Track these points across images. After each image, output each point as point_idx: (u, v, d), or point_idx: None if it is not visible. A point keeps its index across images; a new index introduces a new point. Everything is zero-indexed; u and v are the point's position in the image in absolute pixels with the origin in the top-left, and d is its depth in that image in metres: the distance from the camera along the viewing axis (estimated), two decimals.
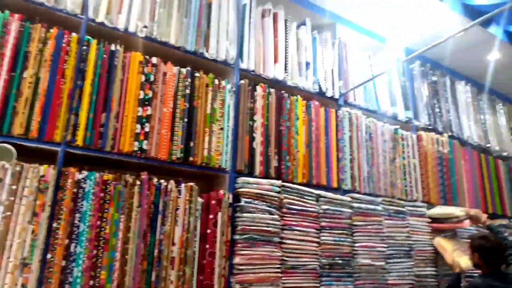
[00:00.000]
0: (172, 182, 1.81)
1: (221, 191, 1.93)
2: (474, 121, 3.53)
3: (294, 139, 2.33)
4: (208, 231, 1.85)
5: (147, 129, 1.83)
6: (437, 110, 3.23)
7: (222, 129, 2.06)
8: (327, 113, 2.55)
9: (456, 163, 3.19)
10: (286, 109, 2.35)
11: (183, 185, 1.83)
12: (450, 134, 3.24)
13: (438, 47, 3.08)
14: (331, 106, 2.60)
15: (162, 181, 1.80)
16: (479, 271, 2.18)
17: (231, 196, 1.97)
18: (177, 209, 1.79)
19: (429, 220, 2.76)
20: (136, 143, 1.79)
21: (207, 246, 1.83)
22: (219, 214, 1.89)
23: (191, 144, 1.93)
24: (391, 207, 2.60)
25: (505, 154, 3.71)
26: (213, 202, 1.89)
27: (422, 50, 2.13)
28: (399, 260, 2.51)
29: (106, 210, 1.63)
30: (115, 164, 1.84)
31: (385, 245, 2.47)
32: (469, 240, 2.33)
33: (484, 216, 2.72)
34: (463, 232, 2.84)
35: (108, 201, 1.64)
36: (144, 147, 1.80)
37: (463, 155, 3.29)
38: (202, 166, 1.95)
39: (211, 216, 1.87)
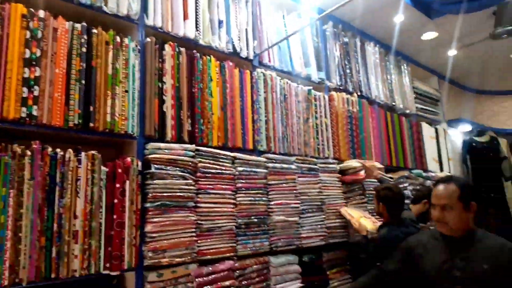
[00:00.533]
0: (70, 151, 1.65)
1: (128, 159, 1.82)
2: (381, 81, 3.75)
3: (208, 102, 2.26)
4: (115, 201, 1.75)
5: (36, 93, 1.62)
6: (348, 71, 3.35)
7: (126, 91, 1.91)
8: (242, 74, 2.50)
9: (364, 121, 3.38)
10: (199, 69, 2.25)
11: (83, 153, 1.68)
12: (359, 94, 3.40)
13: (350, 9, 3.16)
14: (246, 67, 2.55)
15: (58, 150, 1.63)
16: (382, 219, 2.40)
17: (140, 163, 1.87)
18: (77, 179, 1.65)
19: (340, 175, 2.93)
20: (24, 109, 1.58)
21: (115, 216, 1.74)
22: (127, 182, 1.79)
23: (91, 108, 1.76)
24: (304, 165, 2.70)
25: (408, 111, 4.03)
26: (120, 170, 1.78)
27: (332, 9, 2.13)
28: (311, 214, 2.64)
29: None
30: None
31: (299, 201, 2.57)
32: (374, 192, 2.55)
33: (376, 170, 2.96)
34: (369, 184, 3.06)
35: None
36: (34, 113, 1.60)
37: (371, 113, 3.50)
38: (106, 132, 1.80)
39: (117, 185, 1.76)
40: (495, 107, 6.07)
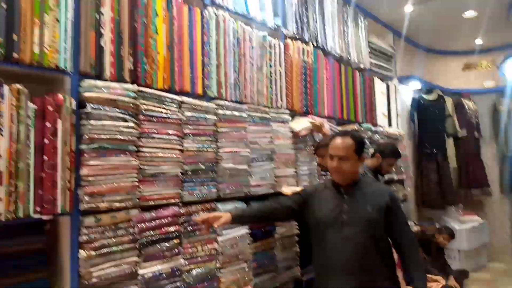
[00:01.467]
0: None
1: (60, 95, 1.65)
2: (338, 33, 3.68)
3: (153, 39, 2.09)
4: (46, 141, 1.60)
5: None
6: (304, 19, 3.24)
7: (58, 20, 1.70)
8: (191, 12, 2.32)
9: (319, 72, 3.34)
10: (142, 3, 2.05)
11: (5, 87, 1.50)
12: (315, 44, 3.33)
13: None
14: (196, 5, 2.37)
15: None
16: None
17: (74, 101, 1.71)
18: None
19: (291, 126, 2.92)
20: None
21: (46, 157, 1.60)
22: (59, 122, 1.64)
23: (14, 37, 1.55)
24: (256, 114, 2.64)
25: (362, 66, 4.04)
26: (50, 108, 1.62)
27: None
28: (261, 163, 2.63)
29: None
30: None
31: (249, 150, 2.54)
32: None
33: (325, 128, 3.01)
34: (308, 140, 3.07)
35: None
36: None
37: (326, 65, 3.46)
38: (33, 65, 1.61)
39: (48, 124, 1.61)
40: (444, 67, 6.27)
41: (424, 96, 5.45)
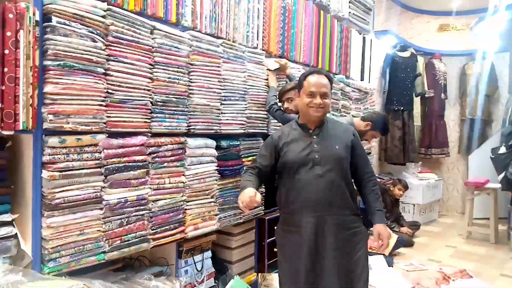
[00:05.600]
0: None
1: (22, 4, 1.53)
2: None
3: None
4: (6, 51, 1.50)
5: None
6: None
7: None
8: None
9: (298, 16, 3.26)
10: None
11: None
12: None
13: None
14: None
15: None
16: None
17: (37, 12, 1.59)
18: None
19: (266, 67, 2.87)
20: None
21: (6, 69, 1.50)
22: (21, 32, 1.53)
23: None
24: (231, 51, 2.57)
25: (341, 14, 3.97)
26: (10, 15, 1.49)
27: None
28: (233, 102, 2.60)
29: None
30: None
31: (222, 87, 2.49)
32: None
33: (288, 68, 2.99)
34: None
35: None
36: None
37: (305, 9, 3.37)
38: None
39: (8, 33, 1.49)
40: (419, 25, 6.30)
41: (398, 53, 5.49)
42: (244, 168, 2.22)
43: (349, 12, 4.15)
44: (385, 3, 5.25)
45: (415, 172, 5.60)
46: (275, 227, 2.07)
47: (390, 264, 3.50)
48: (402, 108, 5.45)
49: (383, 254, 3.50)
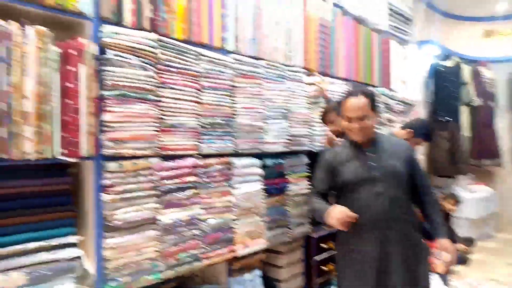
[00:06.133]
0: (13, 23, 1.47)
1: (82, 40, 1.66)
2: None
3: None
4: (69, 85, 1.63)
5: None
6: None
7: None
8: None
9: (336, 31, 3.28)
10: None
11: (30, 28, 1.51)
12: (334, 1, 3.25)
13: None
14: None
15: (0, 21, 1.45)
16: None
17: (95, 46, 1.72)
18: (23, 56, 1.49)
19: (306, 85, 2.90)
20: None
21: (69, 101, 1.63)
22: (81, 66, 1.66)
23: None
24: (273, 71, 2.63)
25: (380, 27, 3.94)
26: (72, 52, 1.63)
27: None
28: (276, 121, 2.64)
29: None
30: None
31: (264, 107, 2.54)
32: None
33: (325, 91, 3.00)
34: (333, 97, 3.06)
35: None
36: None
37: (343, 24, 3.39)
38: (54, 7, 1.61)
39: (71, 68, 1.63)
40: (463, 33, 6.10)
41: (442, 62, 5.34)
42: (307, 195, 2.19)
43: (389, 25, 4.11)
44: (424, 12, 5.14)
45: (466, 185, 5.34)
46: (335, 248, 2.05)
47: (445, 283, 3.33)
48: (448, 118, 5.26)
49: (437, 273, 3.34)
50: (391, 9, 4.15)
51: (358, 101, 1.85)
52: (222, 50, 2.33)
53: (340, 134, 2.58)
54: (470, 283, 3.43)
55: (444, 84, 5.26)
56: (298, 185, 2.76)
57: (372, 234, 1.80)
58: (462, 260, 4.11)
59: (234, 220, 2.30)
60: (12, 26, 1.47)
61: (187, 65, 2.08)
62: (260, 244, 2.44)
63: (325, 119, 2.76)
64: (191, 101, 2.10)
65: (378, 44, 3.92)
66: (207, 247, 2.13)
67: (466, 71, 5.49)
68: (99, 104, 1.73)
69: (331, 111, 2.66)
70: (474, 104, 5.61)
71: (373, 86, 3.82)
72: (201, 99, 2.15)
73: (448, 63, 5.36)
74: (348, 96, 1.89)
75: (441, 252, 1.84)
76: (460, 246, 4.36)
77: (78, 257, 1.69)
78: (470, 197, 5.07)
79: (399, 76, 4.30)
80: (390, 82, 4.13)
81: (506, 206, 5.93)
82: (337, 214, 1.74)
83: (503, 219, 5.89)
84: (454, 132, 5.29)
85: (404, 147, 1.94)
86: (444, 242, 1.85)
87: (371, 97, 1.89)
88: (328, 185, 1.98)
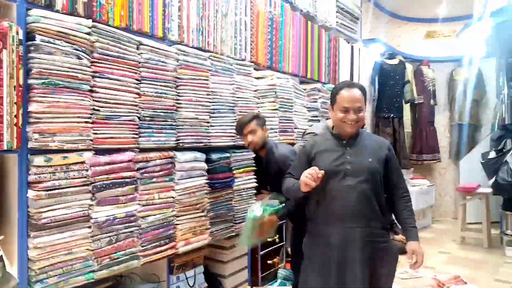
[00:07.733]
0: None
1: (5, 23, 1.52)
2: None
3: None
4: None
5: None
6: None
7: None
8: None
9: (285, 27, 3.29)
10: None
11: None
12: None
13: None
14: None
15: None
16: None
17: (21, 31, 1.58)
18: None
19: (254, 79, 2.88)
20: None
21: None
22: (4, 52, 1.52)
23: None
24: (219, 64, 2.58)
25: (328, 24, 4.01)
26: None
27: None
28: (222, 114, 2.60)
29: None
30: None
31: (210, 100, 2.49)
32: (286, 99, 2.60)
33: None
34: (283, 91, 3.07)
35: None
36: None
37: (292, 20, 3.40)
38: None
39: None
40: (407, 33, 6.38)
41: (386, 60, 5.55)
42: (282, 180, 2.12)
43: (337, 22, 4.19)
44: (372, 11, 5.31)
45: (407, 179, 5.61)
46: (304, 238, 2.00)
47: None
48: (392, 115, 5.49)
49: None
50: (339, 7, 4.23)
51: (356, 93, 1.82)
52: (165, 41, 2.25)
53: (258, 147, 2.51)
54: (407, 270, 3.61)
55: (388, 82, 5.48)
56: (244, 180, 2.75)
57: (338, 228, 1.80)
58: (401, 250, 4.32)
59: (175, 216, 2.24)
60: None
61: (126, 54, 1.98)
62: (202, 240, 2.41)
63: (243, 130, 2.49)
64: (129, 91, 2.00)
65: (326, 41, 3.99)
66: (145, 245, 2.06)
67: (409, 70, 5.75)
68: (24, 94, 1.60)
69: (251, 121, 2.48)
70: (416, 101, 5.90)
71: (322, 82, 3.89)
72: (140, 90, 2.06)
73: (393, 62, 5.58)
74: (346, 87, 1.85)
75: (411, 255, 1.86)
76: (400, 237, 4.58)
77: None
78: (410, 190, 5.31)
79: (346, 73, 4.41)
80: (337, 78, 4.22)
81: (442, 198, 6.34)
82: (306, 173, 1.73)
83: (438, 211, 6.30)
84: (396, 128, 5.53)
85: (384, 145, 1.91)
86: (413, 244, 1.86)
87: (364, 92, 1.87)
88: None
